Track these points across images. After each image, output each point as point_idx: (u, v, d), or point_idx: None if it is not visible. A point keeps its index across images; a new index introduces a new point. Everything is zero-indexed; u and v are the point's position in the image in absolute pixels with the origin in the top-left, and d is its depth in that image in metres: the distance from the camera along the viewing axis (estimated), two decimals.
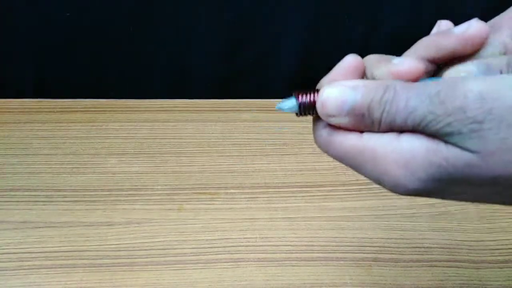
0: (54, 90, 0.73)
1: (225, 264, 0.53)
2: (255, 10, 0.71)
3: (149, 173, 0.62)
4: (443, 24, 0.33)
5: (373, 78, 0.31)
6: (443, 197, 0.30)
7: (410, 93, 0.28)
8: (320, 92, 0.30)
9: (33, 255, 0.53)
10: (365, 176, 0.31)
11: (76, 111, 0.69)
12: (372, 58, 0.32)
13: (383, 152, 0.28)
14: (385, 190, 0.58)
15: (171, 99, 0.72)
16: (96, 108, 0.70)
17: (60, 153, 0.64)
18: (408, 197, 0.60)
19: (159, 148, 0.65)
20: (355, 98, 0.29)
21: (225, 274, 0.52)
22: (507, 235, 0.57)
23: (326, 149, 0.31)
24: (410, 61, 0.30)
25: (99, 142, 0.65)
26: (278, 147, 0.66)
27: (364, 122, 0.29)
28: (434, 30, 0.33)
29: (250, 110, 0.71)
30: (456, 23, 0.71)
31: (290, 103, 0.32)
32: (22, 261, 0.53)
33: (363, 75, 0.32)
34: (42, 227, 0.56)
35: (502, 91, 0.26)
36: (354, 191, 0.61)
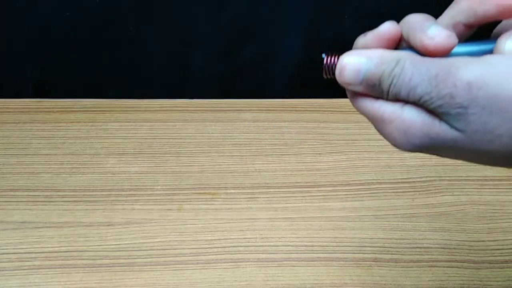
0: (53, 90, 0.73)
1: (225, 264, 0.53)
2: (255, 10, 0.71)
3: (149, 173, 0.62)
4: None
5: (409, 44, 0.34)
6: (435, 155, 0.34)
7: (415, 71, 0.31)
8: (340, 59, 0.34)
9: (33, 255, 0.53)
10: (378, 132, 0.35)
11: (76, 111, 0.69)
12: (410, 22, 0.34)
13: (389, 118, 0.33)
14: (385, 190, 0.59)
15: (171, 99, 0.72)
16: (95, 108, 0.70)
17: (59, 153, 0.64)
18: (408, 197, 0.60)
19: (159, 148, 0.65)
20: (369, 68, 0.33)
21: (225, 274, 0.52)
22: (507, 235, 0.57)
23: (352, 105, 0.35)
24: (443, 35, 0.32)
25: (98, 142, 0.65)
26: (278, 147, 0.66)
27: (376, 91, 0.33)
28: None
29: (250, 110, 0.71)
30: None
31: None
32: (22, 261, 0.53)
33: (400, 40, 0.35)
34: (42, 227, 0.56)
35: (487, 80, 0.30)
36: (354, 191, 0.61)
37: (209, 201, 0.59)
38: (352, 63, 0.33)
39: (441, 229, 0.57)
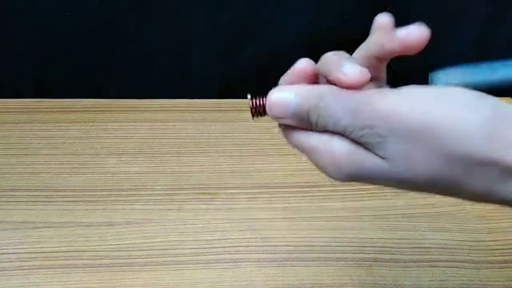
0: (53, 90, 0.73)
1: (225, 264, 0.53)
2: (255, 10, 0.71)
3: (148, 173, 0.62)
4: (381, 22, 0.38)
5: (328, 81, 0.36)
6: (368, 184, 0.36)
7: (338, 105, 0.33)
8: (268, 96, 0.36)
9: (33, 255, 0.53)
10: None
11: (76, 111, 0.69)
12: (328, 60, 0.36)
13: (319, 149, 0.34)
14: (385, 190, 0.59)
15: (171, 99, 0.72)
16: (95, 108, 0.70)
17: (59, 153, 0.64)
18: (408, 197, 0.60)
19: (158, 148, 0.65)
20: (297, 102, 0.35)
21: (225, 274, 0.52)
22: (507, 235, 0.57)
23: (285, 140, 0.37)
24: (356, 72, 0.34)
25: (98, 142, 0.65)
26: (278, 147, 0.66)
27: (305, 123, 0.35)
28: (375, 24, 0.38)
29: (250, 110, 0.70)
30: (455, 22, 0.71)
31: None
32: (22, 261, 0.53)
33: (317, 77, 0.37)
34: (42, 227, 0.56)
35: (402, 110, 0.32)
36: (354, 191, 0.61)
37: (209, 201, 0.59)
38: (282, 98, 0.36)
39: (441, 229, 0.57)
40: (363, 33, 0.82)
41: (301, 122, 0.35)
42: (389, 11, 0.40)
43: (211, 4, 0.71)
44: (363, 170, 0.33)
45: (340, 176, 0.34)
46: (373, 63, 0.36)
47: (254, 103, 0.38)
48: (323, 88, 0.34)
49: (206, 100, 0.72)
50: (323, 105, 0.33)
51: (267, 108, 0.36)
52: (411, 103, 0.32)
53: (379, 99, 0.32)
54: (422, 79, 0.80)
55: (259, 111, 0.38)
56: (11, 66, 0.73)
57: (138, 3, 0.70)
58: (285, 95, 0.36)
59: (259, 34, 0.73)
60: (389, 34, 0.36)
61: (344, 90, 0.34)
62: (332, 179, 0.35)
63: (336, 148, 0.33)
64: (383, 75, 0.38)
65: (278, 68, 0.83)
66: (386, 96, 0.33)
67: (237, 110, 0.71)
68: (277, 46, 0.74)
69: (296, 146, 0.36)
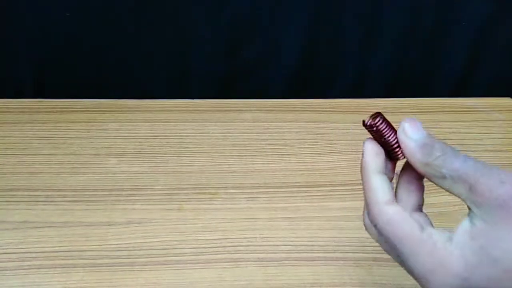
0: (54, 90, 0.73)
1: (225, 264, 0.53)
2: (255, 10, 0.71)
3: (149, 173, 0.62)
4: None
5: None
6: None
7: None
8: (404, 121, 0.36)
9: (33, 255, 0.53)
10: (406, 267, 0.36)
11: (76, 111, 0.69)
12: None
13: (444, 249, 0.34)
14: None
15: (171, 99, 0.72)
16: (96, 108, 0.70)
17: (60, 153, 0.64)
18: None
19: (159, 148, 0.65)
20: (429, 135, 0.36)
21: (225, 274, 0.52)
22: None
23: (382, 226, 0.36)
24: None
25: (99, 142, 0.65)
26: (278, 147, 0.66)
27: (426, 154, 0.35)
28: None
29: (250, 110, 0.71)
30: (455, 22, 0.71)
31: None
32: (22, 261, 0.53)
33: None
34: (42, 227, 0.56)
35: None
36: (354, 191, 0.61)
37: (209, 201, 0.59)
38: (417, 123, 0.36)
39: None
40: (363, 34, 0.82)
41: (423, 150, 0.35)
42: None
43: (211, 4, 0.71)
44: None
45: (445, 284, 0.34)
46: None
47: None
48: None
49: (206, 100, 0.72)
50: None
51: (402, 122, 0.36)
52: None
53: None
54: (422, 79, 0.80)
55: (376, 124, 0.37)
56: (12, 67, 0.73)
57: (138, 3, 0.70)
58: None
59: (259, 34, 0.73)
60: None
61: None
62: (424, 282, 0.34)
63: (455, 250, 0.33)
64: None
65: (278, 68, 0.84)
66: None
67: (237, 110, 0.71)
68: (277, 46, 0.74)
69: (400, 238, 0.36)
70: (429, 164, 0.34)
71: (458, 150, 0.35)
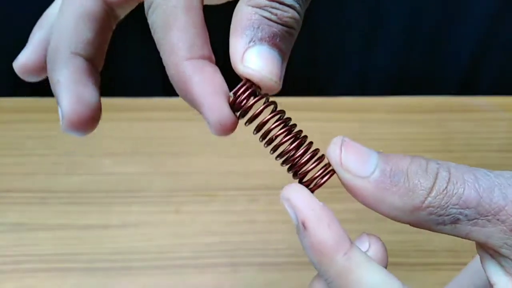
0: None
1: (224, 268, 0.53)
2: None
3: (145, 174, 0.61)
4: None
5: None
6: None
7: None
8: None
9: (28, 257, 0.53)
10: None
11: None
12: None
13: None
14: None
15: (169, 98, 0.71)
16: None
17: (54, 154, 0.63)
18: None
19: (156, 149, 0.64)
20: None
21: (224, 278, 0.52)
22: None
23: None
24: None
25: (94, 143, 0.64)
26: None
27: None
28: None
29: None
30: (455, 22, 0.70)
31: None
32: (17, 263, 0.52)
33: None
34: (37, 229, 0.55)
35: None
36: None
37: (208, 203, 0.59)
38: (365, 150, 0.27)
39: None
40: (364, 34, 0.81)
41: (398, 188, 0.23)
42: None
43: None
44: None
45: None
46: None
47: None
48: None
49: None
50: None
51: (330, 147, 0.25)
52: None
53: None
54: (427, 78, 0.79)
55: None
56: (7, 65, 0.72)
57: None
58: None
59: None
60: None
61: None
62: None
63: None
64: None
65: None
66: None
67: None
68: None
69: None
70: (421, 208, 0.23)
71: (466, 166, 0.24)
